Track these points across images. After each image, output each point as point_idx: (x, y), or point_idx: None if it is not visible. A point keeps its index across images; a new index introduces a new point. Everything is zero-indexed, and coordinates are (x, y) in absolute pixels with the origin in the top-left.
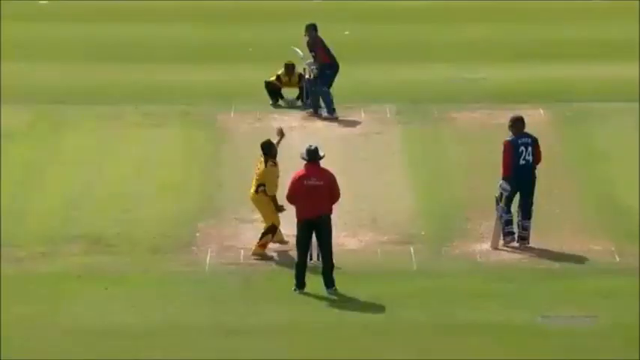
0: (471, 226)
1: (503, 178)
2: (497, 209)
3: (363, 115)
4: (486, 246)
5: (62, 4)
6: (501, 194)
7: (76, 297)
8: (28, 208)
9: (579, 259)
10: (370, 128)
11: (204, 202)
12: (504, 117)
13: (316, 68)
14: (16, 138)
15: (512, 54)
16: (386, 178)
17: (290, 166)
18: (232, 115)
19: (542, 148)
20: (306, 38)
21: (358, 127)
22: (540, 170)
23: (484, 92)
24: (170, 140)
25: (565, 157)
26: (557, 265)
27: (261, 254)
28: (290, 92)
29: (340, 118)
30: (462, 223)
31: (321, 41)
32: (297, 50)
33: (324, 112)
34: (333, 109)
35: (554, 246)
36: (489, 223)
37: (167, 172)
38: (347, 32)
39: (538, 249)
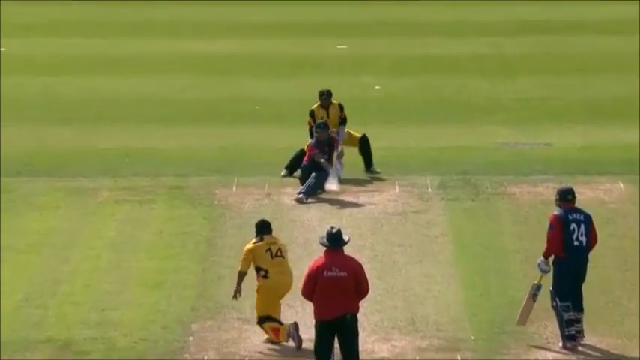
0: (533, 329)
1: (545, 256)
2: (532, 288)
3: (397, 189)
4: (553, 354)
5: (23, 52)
6: (551, 291)
7: None
8: None
9: None
10: (407, 206)
11: (200, 298)
12: (575, 193)
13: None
14: None
15: (583, 113)
16: (426, 269)
17: (306, 253)
18: (234, 189)
19: (622, 230)
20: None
21: (392, 204)
22: (621, 260)
23: (549, 161)
24: (157, 221)
25: None
26: None
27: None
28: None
29: (370, 193)
30: (521, 325)
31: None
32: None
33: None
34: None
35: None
36: (556, 325)
37: (153, 261)
38: (378, 87)
39: (619, 356)
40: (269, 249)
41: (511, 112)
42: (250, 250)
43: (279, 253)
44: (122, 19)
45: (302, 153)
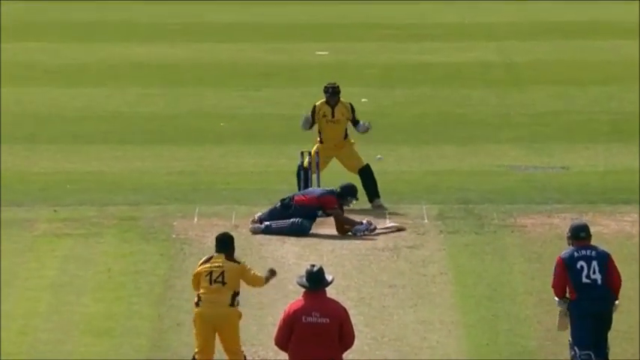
0: None
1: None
2: (559, 312)
3: (388, 220)
4: None
5: None
6: (570, 341)
7: None
8: None
9: None
10: (399, 240)
11: (155, 349)
12: (596, 225)
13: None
14: None
15: (605, 131)
16: (422, 314)
17: (281, 296)
18: (196, 220)
19: None
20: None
21: (382, 238)
22: None
23: (565, 188)
24: (105, 258)
25: None
26: None
27: None
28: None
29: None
30: (562, 330)
31: None
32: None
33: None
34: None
35: None
36: None
37: (100, 304)
38: (364, 99)
39: None
40: (210, 272)
41: (521, 130)
42: (195, 275)
43: (219, 279)
44: (61, 19)
45: (305, 171)
